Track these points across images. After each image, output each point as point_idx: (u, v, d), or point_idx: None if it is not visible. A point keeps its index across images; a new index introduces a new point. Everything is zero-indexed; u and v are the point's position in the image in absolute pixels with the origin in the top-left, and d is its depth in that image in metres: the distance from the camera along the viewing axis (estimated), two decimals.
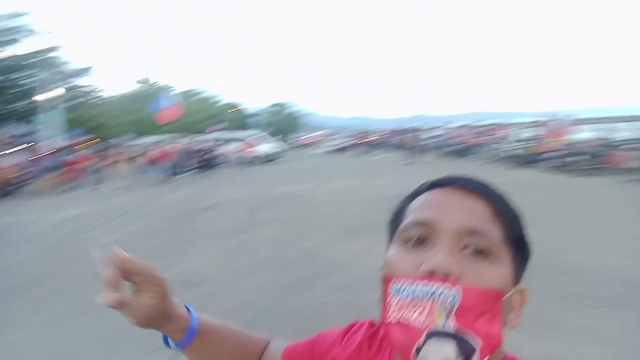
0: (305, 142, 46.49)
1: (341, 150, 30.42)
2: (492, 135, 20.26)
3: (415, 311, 0.53)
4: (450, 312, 0.51)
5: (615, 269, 5.11)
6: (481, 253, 0.56)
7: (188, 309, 0.74)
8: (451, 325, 0.51)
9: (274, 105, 61.37)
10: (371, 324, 0.75)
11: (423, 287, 0.53)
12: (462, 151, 20.73)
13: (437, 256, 0.54)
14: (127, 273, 0.62)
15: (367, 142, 29.45)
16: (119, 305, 0.61)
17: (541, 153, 14.87)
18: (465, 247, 0.57)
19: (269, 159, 25.19)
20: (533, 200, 9.59)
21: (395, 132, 28.05)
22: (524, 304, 0.62)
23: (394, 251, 0.61)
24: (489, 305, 0.53)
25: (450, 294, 0.52)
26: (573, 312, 4.09)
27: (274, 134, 40.18)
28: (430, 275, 0.53)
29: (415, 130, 22.50)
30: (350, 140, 31.30)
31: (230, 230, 8.43)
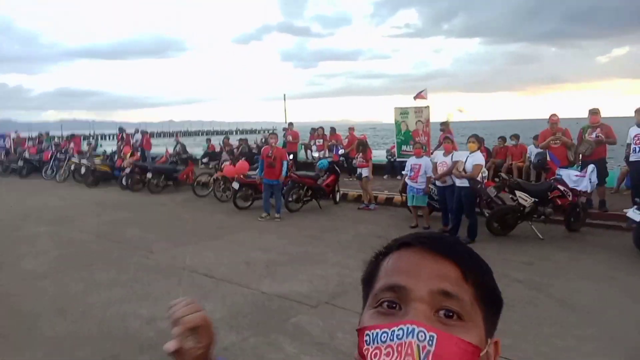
0: None
1: None
2: (70, 147, 17.68)
3: (395, 352, 0.54)
4: (426, 355, 0.53)
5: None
6: (453, 316, 0.57)
7: None
8: None
9: None
10: None
11: (400, 331, 0.54)
12: (36, 167, 17.27)
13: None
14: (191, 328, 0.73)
15: None
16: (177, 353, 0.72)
17: (122, 169, 13.73)
18: (438, 311, 0.58)
19: None
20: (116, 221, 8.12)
21: None
22: (498, 355, 0.63)
23: (367, 316, 0.62)
24: (463, 358, 0.54)
25: (426, 336, 0.53)
26: None
27: None
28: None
29: None
30: None
31: None
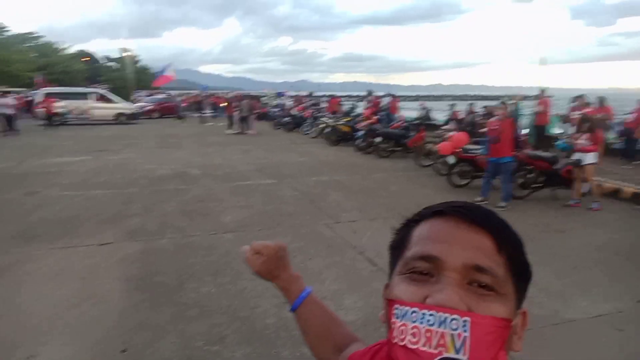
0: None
1: (150, 112, 26.80)
2: (326, 107, 19.16)
3: (423, 338, 0.52)
4: (462, 342, 0.51)
5: None
6: (486, 287, 0.56)
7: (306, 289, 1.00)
8: (464, 354, 0.51)
9: (118, 59, 51.95)
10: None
11: (431, 317, 0.53)
12: (297, 123, 19.44)
13: (444, 292, 0.54)
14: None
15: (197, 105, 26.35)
16: (246, 260, 0.98)
17: (358, 130, 14.04)
18: (471, 282, 0.56)
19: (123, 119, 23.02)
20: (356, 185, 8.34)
21: (237, 98, 25.50)
22: (526, 326, 0.62)
23: (397, 281, 0.61)
24: (497, 335, 0.53)
25: (460, 323, 0.52)
26: None
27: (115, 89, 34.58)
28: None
29: (252, 97, 20.65)
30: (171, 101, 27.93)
31: None
